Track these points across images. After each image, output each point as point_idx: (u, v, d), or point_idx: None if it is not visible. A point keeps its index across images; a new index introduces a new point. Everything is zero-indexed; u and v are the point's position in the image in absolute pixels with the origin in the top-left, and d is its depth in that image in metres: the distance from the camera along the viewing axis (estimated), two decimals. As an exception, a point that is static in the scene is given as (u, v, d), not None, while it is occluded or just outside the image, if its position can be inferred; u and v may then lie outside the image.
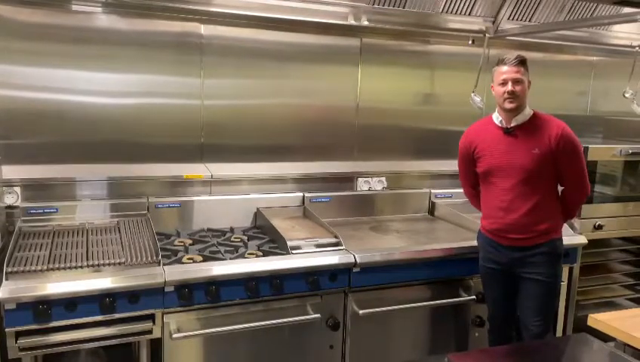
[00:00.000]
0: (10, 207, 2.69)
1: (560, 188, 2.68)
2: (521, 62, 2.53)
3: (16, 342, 2.09)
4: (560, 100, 3.98)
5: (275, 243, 2.77)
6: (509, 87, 2.51)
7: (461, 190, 2.99)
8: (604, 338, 2.07)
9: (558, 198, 2.67)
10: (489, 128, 2.67)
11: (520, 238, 2.58)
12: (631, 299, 3.70)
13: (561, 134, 2.52)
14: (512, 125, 2.58)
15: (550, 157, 2.52)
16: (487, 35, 3.49)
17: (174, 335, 2.35)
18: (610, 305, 3.57)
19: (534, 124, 2.57)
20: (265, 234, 2.94)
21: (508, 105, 2.54)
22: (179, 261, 2.47)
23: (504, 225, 2.61)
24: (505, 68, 2.53)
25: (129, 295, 2.23)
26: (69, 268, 2.24)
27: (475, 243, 2.85)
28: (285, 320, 2.53)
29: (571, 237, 3.11)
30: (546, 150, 2.52)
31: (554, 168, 2.56)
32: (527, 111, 2.59)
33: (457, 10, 3.36)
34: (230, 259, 2.55)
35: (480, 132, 2.72)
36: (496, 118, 2.65)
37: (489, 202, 2.70)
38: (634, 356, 1.90)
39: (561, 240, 2.66)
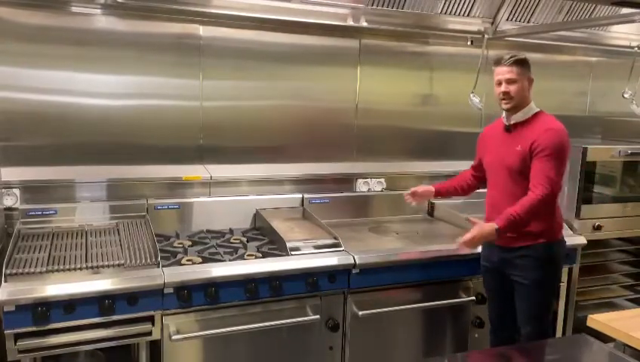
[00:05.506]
0: (9, 208, 2.69)
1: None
2: (516, 61, 2.49)
3: (15, 344, 2.09)
4: (559, 101, 3.98)
5: (275, 245, 2.77)
6: (502, 87, 2.52)
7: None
8: (604, 338, 2.07)
9: (553, 201, 2.56)
10: (498, 126, 2.70)
11: (505, 237, 2.50)
12: (630, 300, 3.70)
13: (538, 133, 2.46)
14: (510, 123, 2.59)
15: (529, 155, 2.47)
16: (485, 35, 3.49)
17: (173, 337, 2.34)
18: (609, 306, 3.57)
19: (531, 123, 2.54)
20: (264, 236, 2.94)
21: (504, 106, 2.56)
22: (178, 262, 2.47)
23: (491, 221, 2.53)
24: (498, 68, 2.53)
25: (128, 296, 2.23)
26: (68, 269, 2.24)
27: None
28: (284, 321, 2.53)
29: (570, 237, 3.10)
30: (527, 148, 2.48)
31: None
32: (529, 110, 2.56)
33: (456, 11, 3.37)
34: (229, 260, 2.54)
35: (490, 130, 2.78)
36: (503, 115, 2.66)
37: (486, 198, 2.75)
38: (633, 356, 1.89)
39: (555, 244, 2.58)
